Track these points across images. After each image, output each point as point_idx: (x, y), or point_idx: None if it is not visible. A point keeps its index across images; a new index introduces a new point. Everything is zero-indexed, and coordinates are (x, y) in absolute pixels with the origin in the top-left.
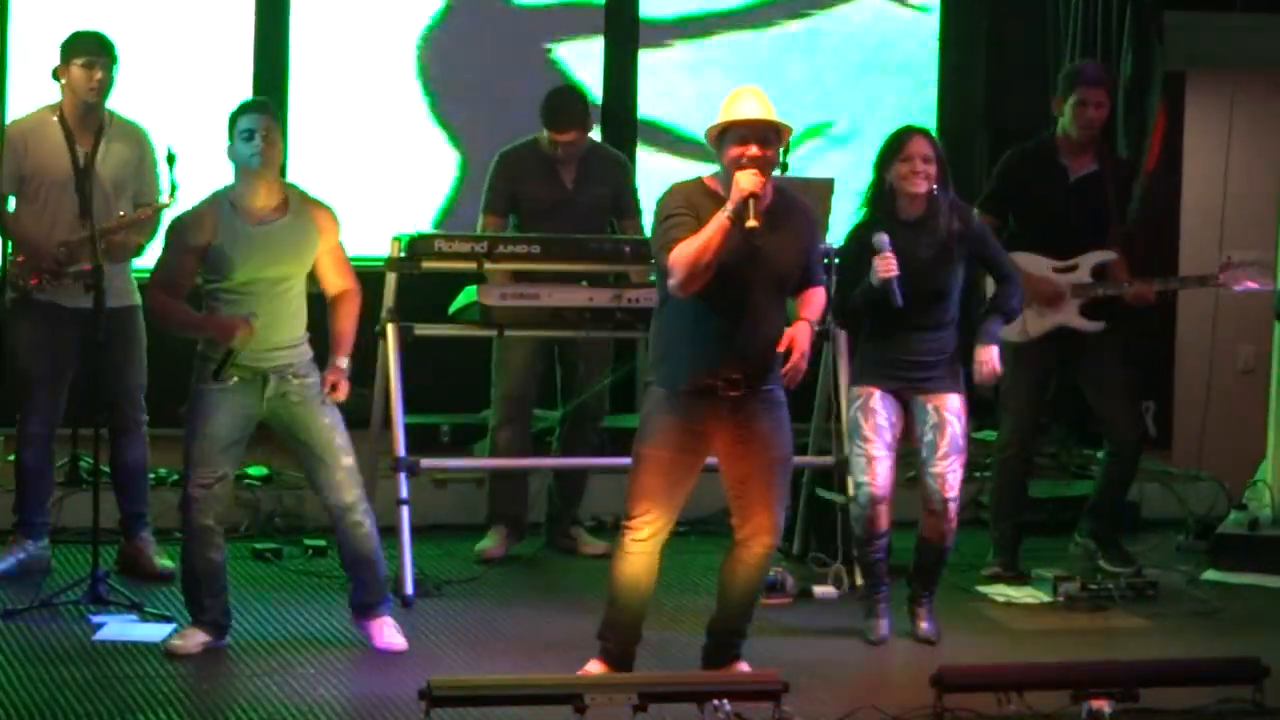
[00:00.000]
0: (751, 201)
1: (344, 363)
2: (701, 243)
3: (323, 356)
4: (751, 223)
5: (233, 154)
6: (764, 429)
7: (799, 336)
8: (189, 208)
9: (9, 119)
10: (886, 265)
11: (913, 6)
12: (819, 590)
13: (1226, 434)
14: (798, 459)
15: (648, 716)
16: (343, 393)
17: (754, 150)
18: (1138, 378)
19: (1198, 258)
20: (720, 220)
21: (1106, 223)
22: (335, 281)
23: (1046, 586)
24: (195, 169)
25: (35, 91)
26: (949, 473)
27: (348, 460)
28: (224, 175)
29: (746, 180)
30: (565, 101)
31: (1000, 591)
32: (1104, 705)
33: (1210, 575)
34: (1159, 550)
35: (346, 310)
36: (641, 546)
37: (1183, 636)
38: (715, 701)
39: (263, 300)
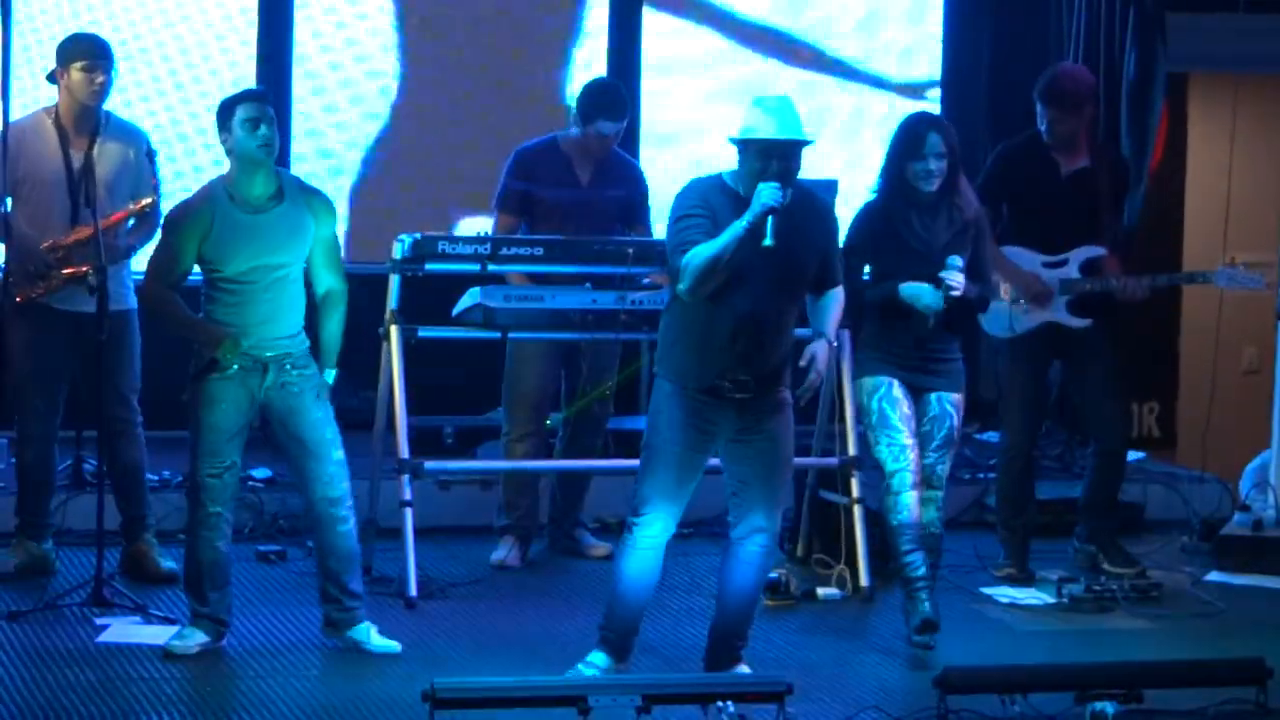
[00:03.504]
0: (771, 217)
1: (331, 377)
2: (716, 252)
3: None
4: (769, 243)
5: (232, 144)
6: (769, 430)
7: (819, 355)
8: (184, 200)
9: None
10: (959, 283)
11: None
12: (823, 592)
13: (1230, 435)
14: (801, 460)
15: (651, 718)
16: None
17: (775, 167)
18: (1126, 377)
19: (1201, 259)
20: (737, 231)
21: (1099, 219)
22: (325, 278)
23: (1050, 588)
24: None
25: (37, 90)
26: (939, 464)
27: (339, 454)
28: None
29: (768, 194)
30: (617, 93)
31: (1004, 593)
32: (1108, 706)
33: (1214, 576)
34: (1163, 551)
35: (336, 315)
36: (653, 542)
37: (1186, 638)
38: (719, 703)
39: (261, 290)
